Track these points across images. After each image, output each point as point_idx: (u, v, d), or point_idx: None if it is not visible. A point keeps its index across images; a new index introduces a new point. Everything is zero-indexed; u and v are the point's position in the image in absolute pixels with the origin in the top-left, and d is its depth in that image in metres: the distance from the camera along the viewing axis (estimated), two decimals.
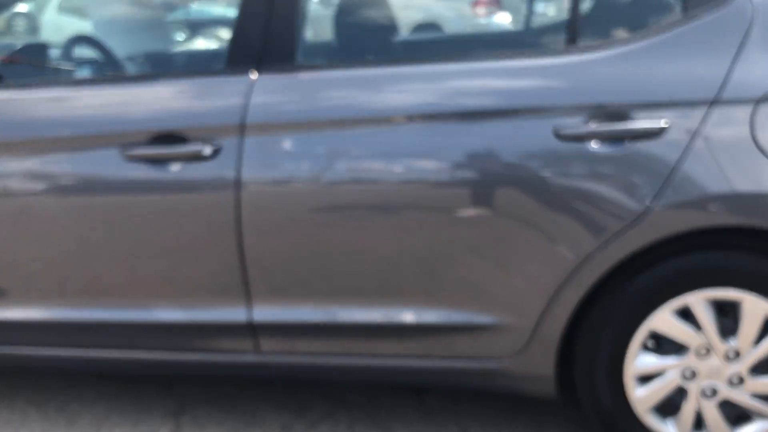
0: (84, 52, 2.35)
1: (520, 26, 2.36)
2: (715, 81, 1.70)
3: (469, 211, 1.78)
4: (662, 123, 1.69)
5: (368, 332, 1.92)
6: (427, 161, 1.78)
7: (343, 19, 2.29)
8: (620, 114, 1.72)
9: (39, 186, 1.93)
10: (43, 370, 2.44)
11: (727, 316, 1.79)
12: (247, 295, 1.92)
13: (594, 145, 1.72)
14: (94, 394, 2.37)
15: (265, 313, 1.93)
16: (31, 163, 1.92)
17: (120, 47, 2.43)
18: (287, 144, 1.81)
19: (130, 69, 2.39)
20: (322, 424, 2.19)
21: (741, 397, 1.83)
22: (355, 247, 1.84)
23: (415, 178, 1.78)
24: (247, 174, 1.82)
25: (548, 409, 2.21)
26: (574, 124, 1.72)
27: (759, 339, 1.78)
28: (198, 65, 2.47)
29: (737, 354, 1.80)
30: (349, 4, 2.40)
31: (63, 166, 1.91)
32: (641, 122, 1.70)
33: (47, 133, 1.92)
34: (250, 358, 2.00)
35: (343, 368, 1.98)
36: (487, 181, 1.76)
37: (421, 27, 2.28)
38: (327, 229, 1.83)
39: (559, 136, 1.72)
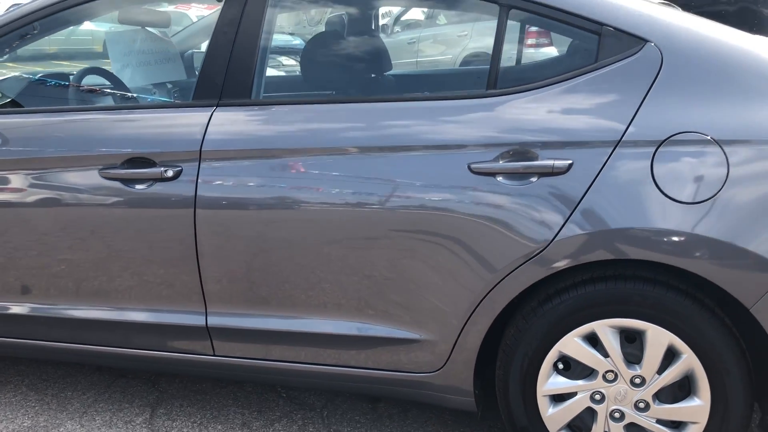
0: (92, 81, 2.66)
1: (451, 67, 2.52)
2: (620, 124, 1.83)
3: (395, 236, 1.96)
4: (568, 161, 1.83)
5: (307, 340, 2.12)
6: (359, 189, 1.97)
7: (301, 59, 2.52)
8: (529, 152, 1.86)
9: (32, 198, 2.22)
10: (46, 361, 2.74)
11: (633, 343, 1.91)
12: (203, 301, 2.15)
13: (504, 180, 1.87)
14: (88, 384, 2.66)
15: (217, 318, 2.16)
16: (25, 179, 2.21)
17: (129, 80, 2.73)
18: (235, 170, 2.04)
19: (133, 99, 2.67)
20: (278, 423, 2.40)
21: (646, 422, 1.93)
22: (292, 264, 2.04)
23: (347, 203, 1.97)
24: (202, 195, 2.05)
25: (486, 423, 2.34)
26: (486, 160, 1.88)
27: (663, 367, 1.89)
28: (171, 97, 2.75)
29: (643, 380, 1.91)
30: (308, 47, 2.63)
31: (52, 182, 2.19)
32: (549, 160, 1.84)
33: (39, 154, 2.21)
34: (208, 359, 2.23)
35: (284, 372, 2.18)
36: (412, 209, 1.93)
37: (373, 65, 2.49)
38: (269, 246, 2.04)
39: (473, 170, 1.88)
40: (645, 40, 1.88)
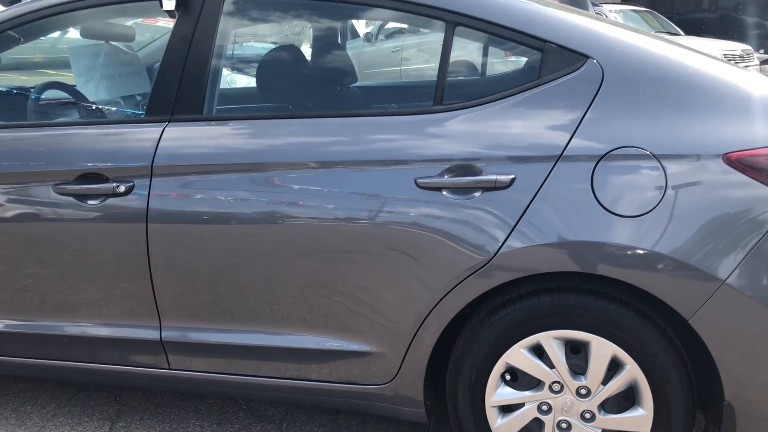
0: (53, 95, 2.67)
1: (399, 84, 2.57)
2: (562, 139, 1.86)
3: (345, 250, 1.98)
4: (511, 176, 1.86)
5: (260, 354, 2.13)
6: (309, 204, 1.99)
7: (256, 74, 2.54)
8: (473, 167, 1.89)
9: None
10: (6, 376, 2.74)
11: (579, 354, 1.93)
12: (157, 315, 2.17)
13: (449, 195, 1.90)
14: (49, 398, 2.66)
15: (171, 332, 2.17)
16: None
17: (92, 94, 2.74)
18: (186, 185, 2.05)
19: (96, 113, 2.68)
20: None
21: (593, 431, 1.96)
22: (242, 279, 2.06)
23: (296, 218, 1.99)
24: (153, 210, 2.07)
25: None
26: (431, 174, 1.91)
27: (608, 378, 1.91)
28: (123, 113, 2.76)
29: (588, 391, 1.93)
30: (262, 61, 2.66)
31: (7, 198, 2.20)
32: (492, 175, 1.87)
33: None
34: (164, 372, 2.24)
35: (238, 385, 2.20)
36: (360, 223, 1.95)
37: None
38: (219, 261, 2.06)
39: (419, 185, 1.91)
40: (587, 57, 1.91)
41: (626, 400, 1.95)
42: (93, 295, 2.20)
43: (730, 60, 10.88)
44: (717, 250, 1.77)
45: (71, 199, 2.14)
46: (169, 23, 3.20)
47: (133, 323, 2.20)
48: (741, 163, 1.77)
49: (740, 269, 1.76)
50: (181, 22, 2.17)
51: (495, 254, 1.87)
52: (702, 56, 2.01)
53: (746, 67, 10.79)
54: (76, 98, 2.72)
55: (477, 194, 1.89)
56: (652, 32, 12.52)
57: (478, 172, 1.89)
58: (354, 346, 2.06)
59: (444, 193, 1.90)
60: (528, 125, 1.90)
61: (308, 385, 2.14)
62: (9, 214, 2.20)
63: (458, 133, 1.93)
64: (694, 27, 15.25)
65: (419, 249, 1.93)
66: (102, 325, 2.24)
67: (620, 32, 2.00)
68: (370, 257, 1.97)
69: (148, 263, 2.11)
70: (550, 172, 1.85)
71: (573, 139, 1.86)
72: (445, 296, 1.93)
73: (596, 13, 10.80)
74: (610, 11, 12.87)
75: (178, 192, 2.06)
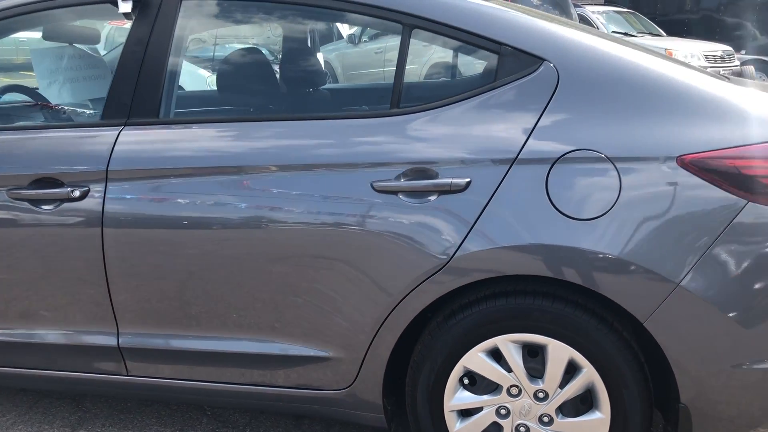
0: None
1: (361, 86, 2.55)
2: (517, 142, 1.85)
3: (301, 253, 1.96)
4: (466, 179, 1.85)
5: (218, 360, 2.11)
6: (265, 208, 1.97)
7: (216, 77, 2.52)
8: (429, 170, 1.88)
9: None
10: None
11: (536, 357, 1.93)
12: (114, 322, 2.14)
13: (405, 198, 1.88)
14: (9, 405, 2.63)
15: (129, 339, 2.15)
16: None
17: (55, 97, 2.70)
18: (140, 189, 2.03)
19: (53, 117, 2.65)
20: None
21: None
22: (198, 283, 2.04)
23: (253, 222, 1.98)
24: (108, 215, 2.04)
25: None
26: (388, 178, 1.89)
27: (565, 382, 1.91)
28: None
29: (546, 395, 1.93)
30: (220, 67, 2.64)
31: None
32: (447, 178, 1.86)
33: None
34: (123, 379, 2.22)
35: (198, 391, 2.18)
36: (317, 227, 1.94)
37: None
38: (174, 266, 2.04)
39: (375, 188, 1.90)
40: (542, 59, 1.90)
41: (584, 403, 1.94)
42: (50, 302, 2.17)
43: (710, 61, 10.95)
44: (671, 253, 1.77)
45: (26, 204, 2.11)
46: None
47: (91, 330, 2.17)
48: (695, 166, 1.77)
49: (695, 271, 1.76)
50: (137, 25, 2.14)
51: (451, 258, 1.86)
52: (658, 58, 2.01)
53: (727, 67, 10.85)
54: (37, 101, 2.69)
55: (433, 197, 1.87)
56: (635, 33, 12.63)
57: (434, 175, 1.88)
58: (312, 351, 2.04)
59: (400, 196, 1.89)
60: (484, 128, 1.89)
61: (269, 391, 2.12)
62: None
63: (414, 136, 1.92)
64: (677, 28, 15.32)
65: (376, 253, 1.91)
66: (60, 332, 2.21)
67: (576, 34, 2.00)
68: (326, 261, 1.95)
69: (104, 269, 2.08)
70: (505, 175, 1.85)
71: (528, 142, 1.85)
72: (402, 300, 1.92)
73: (578, 14, 10.83)
74: (593, 12, 12.93)
75: (133, 196, 2.04)
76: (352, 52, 9.97)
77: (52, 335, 2.21)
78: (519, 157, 1.84)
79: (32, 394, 2.69)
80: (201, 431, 2.45)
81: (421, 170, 1.89)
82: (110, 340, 2.16)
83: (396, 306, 1.93)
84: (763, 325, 1.77)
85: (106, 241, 2.06)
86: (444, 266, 1.87)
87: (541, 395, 1.93)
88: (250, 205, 1.98)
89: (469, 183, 1.85)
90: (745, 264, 1.76)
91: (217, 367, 2.13)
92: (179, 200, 2.02)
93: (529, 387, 1.93)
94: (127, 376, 2.20)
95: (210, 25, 2.38)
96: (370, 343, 1.98)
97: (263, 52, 2.65)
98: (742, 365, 1.79)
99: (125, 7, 2.13)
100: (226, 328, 2.07)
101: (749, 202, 1.75)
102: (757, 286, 1.76)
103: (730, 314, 1.76)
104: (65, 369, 2.25)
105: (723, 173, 1.76)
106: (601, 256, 1.78)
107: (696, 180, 1.77)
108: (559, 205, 1.80)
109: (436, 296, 1.90)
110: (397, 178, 1.89)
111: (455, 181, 1.85)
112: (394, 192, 1.90)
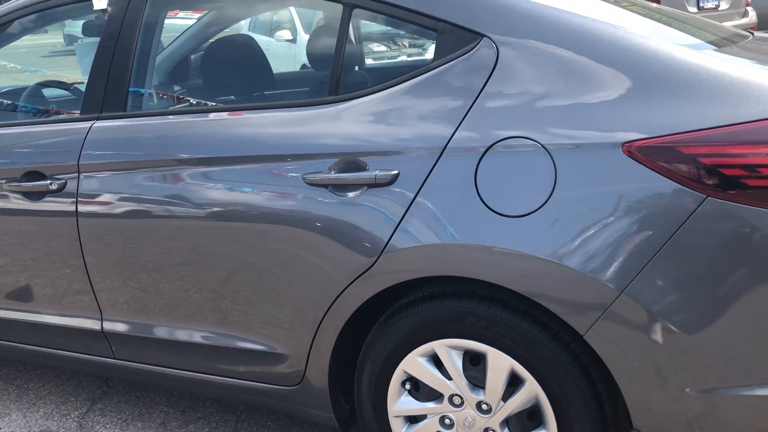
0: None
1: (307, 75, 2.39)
2: (447, 130, 1.67)
3: (240, 248, 1.92)
4: (394, 172, 1.71)
5: (187, 349, 2.14)
6: (205, 200, 1.94)
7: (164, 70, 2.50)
8: (359, 162, 1.76)
9: None
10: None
11: (478, 366, 1.75)
12: (98, 306, 2.24)
13: (335, 192, 1.78)
14: (50, 377, 2.86)
15: (110, 324, 2.24)
16: None
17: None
18: (107, 181, 2.09)
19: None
20: (193, 425, 2.45)
21: None
22: (156, 275, 2.07)
23: (200, 215, 1.96)
24: (81, 207, 2.13)
25: None
26: (319, 170, 1.79)
27: (508, 394, 1.72)
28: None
29: (489, 407, 1.75)
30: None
31: None
32: (375, 171, 1.73)
33: None
34: (111, 361, 2.33)
35: (171, 377, 2.23)
36: (254, 221, 1.88)
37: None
38: (135, 257, 2.08)
39: (307, 181, 1.81)
40: (482, 35, 1.70)
41: (534, 419, 1.74)
42: (47, 286, 2.32)
43: None
44: (614, 257, 1.51)
45: (20, 196, 2.26)
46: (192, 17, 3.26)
47: (80, 314, 2.29)
48: (644, 154, 1.49)
49: (641, 279, 1.50)
50: (110, 20, 2.20)
51: (379, 256, 1.73)
52: (621, 30, 1.68)
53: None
54: (37, 99, 2.82)
55: (360, 191, 1.75)
56: None
57: (363, 167, 1.75)
58: (264, 347, 2.01)
59: (329, 189, 1.79)
60: (416, 115, 1.73)
61: (231, 383, 2.12)
62: None
63: (346, 126, 1.80)
64: None
65: (310, 250, 1.83)
66: (57, 315, 2.34)
67: (528, 3, 1.74)
68: (265, 258, 1.89)
69: (83, 259, 2.19)
70: (433, 167, 1.68)
71: (459, 130, 1.66)
72: (336, 299, 1.82)
73: None
74: None
75: (100, 189, 2.11)
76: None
77: (49, 317, 2.36)
78: (448, 146, 1.66)
79: (67, 370, 2.90)
80: (199, 414, 2.52)
81: (350, 162, 1.77)
82: (96, 324, 2.27)
83: (331, 306, 1.84)
84: (720, 342, 1.48)
85: (81, 232, 2.15)
86: (372, 265, 1.74)
87: (484, 407, 1.76)
88: (194, 199, 1.96)
89: (396, 176, 1.71)
90: (701, 272, 1.47)
91: (185, 355, 2.16)
92: (135, 192, 2.05)
93: (471, 397, 1.76)
94: (114, 358, 2.31)
95: (178, 14, 2.38)
96: (312, 342, 1.91)
97: (209, 43, 2.60)
98: (698, 389, 1.51)
99: (100, 4, 2.19)
100: (185, 318, 2.10)
101: (708, 197, 1.45)
102: (714, 298, 1.47)
103: (683, 330, 1.49)
104: (61, 348, 2.40)
105: (677, 163, 1.47)
106: (530, 257, 1.56)
107: (645, 171, 1.49)
108: (487, 199, 1.61)
109: (367, 296, 1.78)
110: (329, 170, 1.79)
111: (381, 173, 1.72)
112: (324, 185, 1.79)
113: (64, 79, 2.97)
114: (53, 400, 2.68)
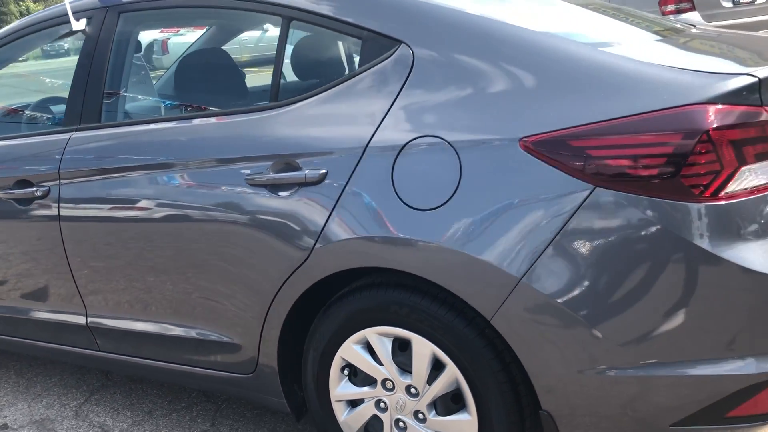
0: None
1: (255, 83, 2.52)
2: (369, 130, 1.80)
3: (193, 246, 2.08)
4: (322, 171, 1.84)
5: (156, 341, 2.31)
6: (163, 202, 2.12)
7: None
8: (293, 163, 1.89)
9: None
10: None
11: (405, 351, 1.86)
12: (83, 303, 2.44)
13: (272, 192, 1.92)
14: (58, 370, 3.09)
15: (93, 318, 2.43)
16: None
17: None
18: (82, 188, 2.28)
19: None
20: (176, 414, 2.62)
21: None
22: (125, 273, 2.25)
23: (159, 217, 2.13)
24: (62, 212, 2.33)
25: None
26: (258, 172, 1.94)
27: (432, 378, 1.82)
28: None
29: (417, 390, 1.86)
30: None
31: None
32: (306, 170, 1.86)
33: None
34: (97, 353, 2.52)
35: (146, 368, 2.40)
36: (205, 220, 2.04)
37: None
38: (107, 257, 2.27)
39: (248, 182, 1.96)
40: (399, 41, 1.82)
41: (458, 402, 1.84)
42: (40, 285, 2.53)
43: None
44: (513, 245, 1.61)
45: (13, 203, 2.48)
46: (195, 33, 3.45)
47: (69, 309, 2.49)
48: (537, 148, 1.59)
49: (538, 266, 1.59)
50: (87, 39, 2.40)
51: (311, 251, 1.87)
52: (529, 31, 1.77)
53: None
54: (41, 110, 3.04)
55: (292, 191, 1.89)
56: None
57: (296, 168, 1.89)
58: (222, 337, 2.16)
59: (268, 190, 1.93)
60: (341, 118, 1.86)
61: (197, 371, 2.28)
62: None
63: (284, 129, 1.94)
64: None
65: (253, 247, 1.97)
66: (50, 311, 2.55)
67: (441, 8, 1.85)
68: (215, 257, 2.05)
69: (67, 261, 2.38)
70: (356, 166, 1.80)
71: (378, 131, 1.79)
72: (278, 292, 1.96)
73: None
74: None
75: (77, 194, 2.30)
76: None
77: (44, 314, 2.57)
78: (369, 146, 1.79)
79: (71, 364, 3.12)
80: (184, 403, 2.69)
81: (286, 163, 1.91)
82: (81, 319, 2.47)
83: (274, 298, 1.98)
84: (612, 326, 1.55)
85: (64, 236, 2.35)
86: (306, 259, 1.88)
87: (413, 390, 1.87)
88: (150, 201, 2.14)
89: (325, 175, 1.84)
90: (592, 258, 1.55)
91: (156, 347, 2.33)
92: (105, 196, 2.23)
93: (400, 382, 1.88)
94: (99, 351, 2.50)
95: (146, 34, 2.56)
96: (261, 332, 2.05)
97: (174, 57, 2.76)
98: (596, 371, 1.58)
99: (78, 25, 2.39)
100: (153, 312, 2.27)
101: (596, 188, 1.54)
102: (603, 282, 1.55)
103: (579, 314, 1.57)
104: (53, 342, 2.60)
105: (567, 156, 1.56)
106: (439, 247, 1.67)
107: (540, 164, 1.59)
108: (402, 194, 1.73)
109: (304, 288, 1.92)
110: (267, 171, 1.93)
111: (310, 173, 1.85)
112: (264, 185, 1.94)
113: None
114: (56, 392, 2.90)
